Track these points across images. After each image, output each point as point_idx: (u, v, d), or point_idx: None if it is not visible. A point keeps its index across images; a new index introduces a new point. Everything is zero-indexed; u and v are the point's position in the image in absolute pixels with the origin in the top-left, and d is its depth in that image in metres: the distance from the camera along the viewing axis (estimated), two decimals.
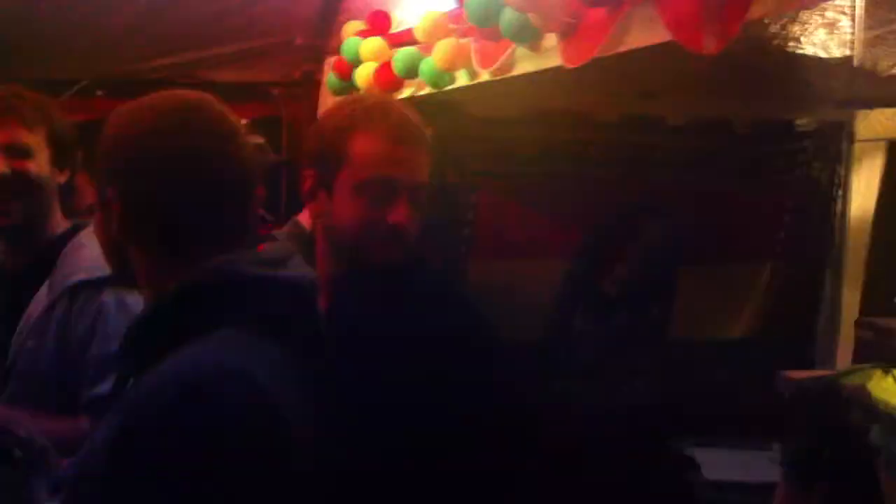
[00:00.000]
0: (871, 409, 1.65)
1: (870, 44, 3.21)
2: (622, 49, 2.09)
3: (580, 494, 3.15)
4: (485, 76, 2.78)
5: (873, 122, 3.69)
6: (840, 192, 3.70)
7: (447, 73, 2.93)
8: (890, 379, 1.79)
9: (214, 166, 1.46)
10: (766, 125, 3.82)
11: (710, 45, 1.68)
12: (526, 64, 2.58)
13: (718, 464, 2.67)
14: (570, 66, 2.26)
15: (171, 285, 1.41)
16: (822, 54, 3.47)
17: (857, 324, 2.98)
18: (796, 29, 3.48)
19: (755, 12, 1.70)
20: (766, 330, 4.00)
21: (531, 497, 2.00)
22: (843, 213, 3.68)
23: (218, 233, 1.47)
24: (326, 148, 1.91)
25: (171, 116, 1.48)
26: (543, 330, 3.77)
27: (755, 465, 2.62)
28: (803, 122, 3.83)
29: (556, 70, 2.34)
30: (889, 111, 3.64)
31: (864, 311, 3.51)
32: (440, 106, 3.19)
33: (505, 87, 2.79)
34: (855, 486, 1.70)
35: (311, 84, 4.29)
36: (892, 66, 3.35)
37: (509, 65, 2.64)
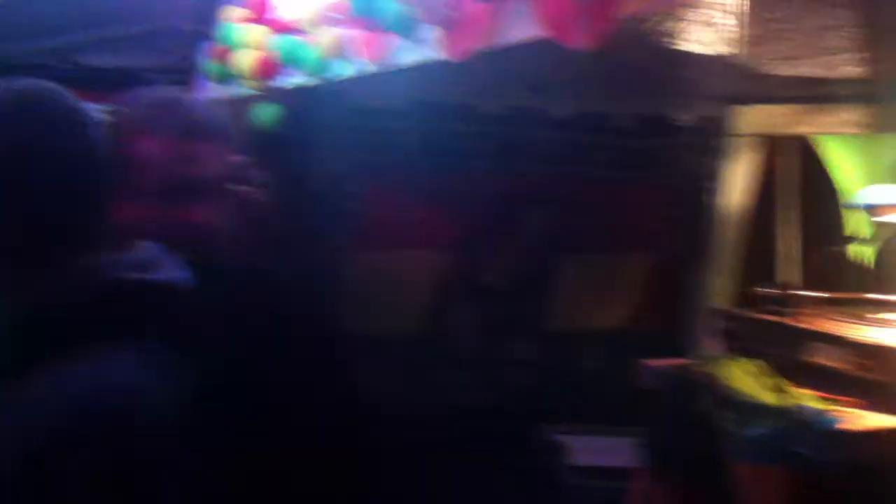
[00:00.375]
0: (723, 396, 1.70)
1: (749, 41, 3.29)
2: (503, 43, 2.10)
3: (443, 480, 3.18)
4: (369, 67, 2.76)
5: (749, 118, 3.79)
6: (715, 186, 3.79)
7: (330, 62, 2.90)
8: (741, 367, 1.85)
9: (57, 161, 1.36)
10: (646, 119, 3.90)
11: (583, 41, 1.69)
12: (410, 55, 2.57)
13: (587, 450, 2.74)
14: (452, 59, 2.26)
15: (32, 292, 1.32)
16: (702, 51, 3.54)
17: (721, 314, 3.07)
18: (677, 25, 3.55)
19: (630, 8, 1.72)
20: (639, 320, 4.09)
21: (391, 484, 2.01)
22: (717, 207, 3.77)
23: (71, 232, 1.36)
24: (115, 151, 1.85)
25: (3, 109, 1.37)
26: (423, 321, 3.78)
27: (622, 451, 2.69)
28: (681, 116, 3.92)
29: (440, 62, 2.34)
30: (765, 107, 3.74)
31: (733, 302, 3.61)
32: (323, 96, 3.16)
33: (389, 78, 2.77)
34: (709, 469, 1.75)
35: (192, 71, 4.22)
36: (769, 64, 3.44)
37: (393, 56, 2.63)
